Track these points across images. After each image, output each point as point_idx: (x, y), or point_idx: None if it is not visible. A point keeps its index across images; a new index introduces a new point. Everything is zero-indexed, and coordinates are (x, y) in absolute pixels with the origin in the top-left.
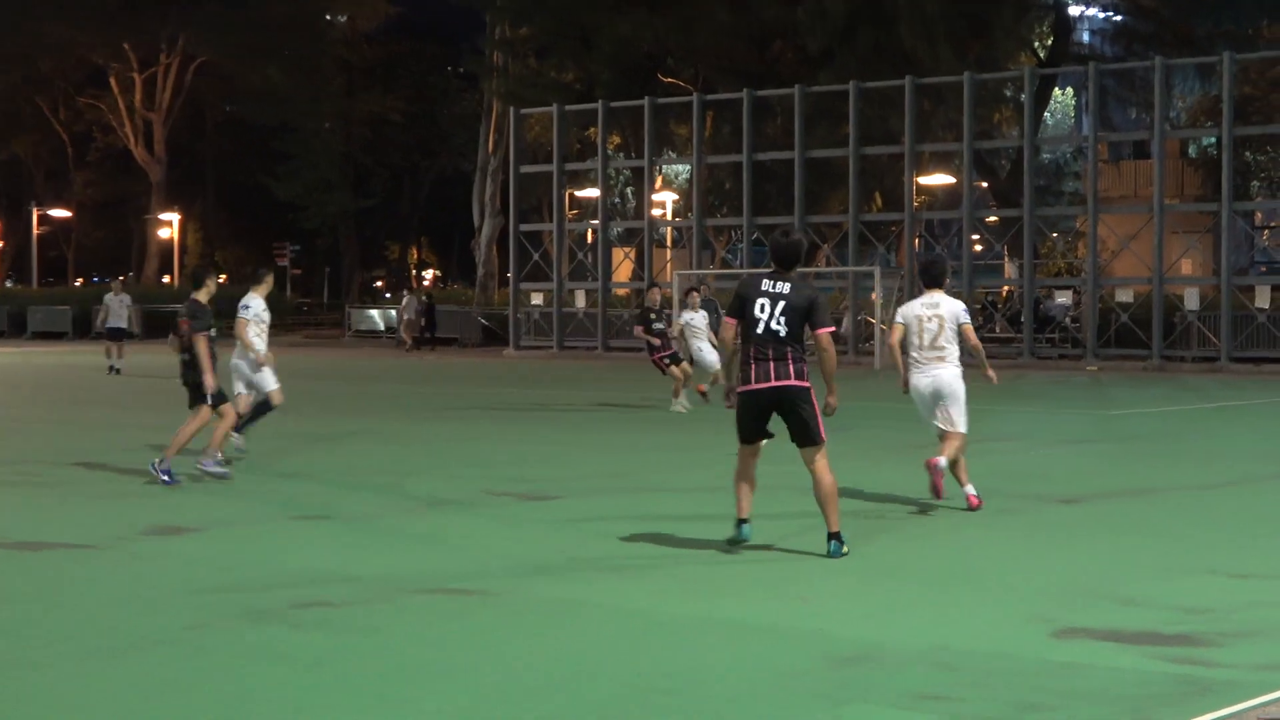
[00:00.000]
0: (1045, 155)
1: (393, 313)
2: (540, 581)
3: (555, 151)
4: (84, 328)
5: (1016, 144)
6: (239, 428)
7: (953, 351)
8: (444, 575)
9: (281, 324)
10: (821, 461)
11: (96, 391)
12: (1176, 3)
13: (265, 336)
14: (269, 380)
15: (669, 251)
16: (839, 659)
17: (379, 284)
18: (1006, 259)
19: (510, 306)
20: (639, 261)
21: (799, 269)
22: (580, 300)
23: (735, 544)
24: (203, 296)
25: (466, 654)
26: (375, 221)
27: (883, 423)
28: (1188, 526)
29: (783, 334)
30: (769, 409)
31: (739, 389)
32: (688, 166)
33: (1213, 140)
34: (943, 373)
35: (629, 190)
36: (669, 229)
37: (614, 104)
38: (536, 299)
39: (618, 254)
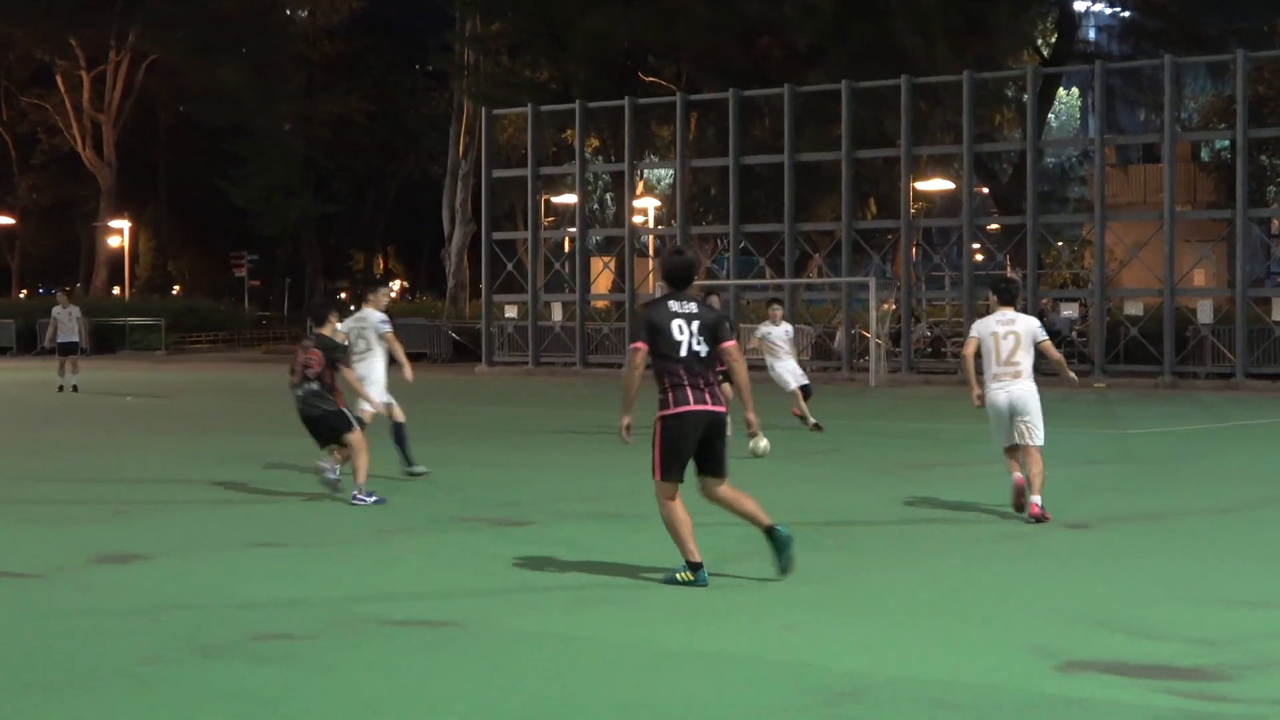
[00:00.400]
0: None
1: None
2: (512, 612)
3: (530, 155)
4: (29, 342)
5: (1019, 147)
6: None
7: (1028, 367)
8: (411, 605)
9: (239, 338)
10: (728, 488)
11: (50, 411)
12: None
13: (364, 354)
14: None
15: (651, 261)
16: (831, 694)
17: (343, 295)
18: (1009, 269)
19: (483, 319)
20: (619, 272)
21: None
22: (557, 313)
23: (691, 585)
24: (327, 331)
25: (435, 689)
26: (338, 229)
27: (874, 442)
28: (1201, 552)
29: (703, 354)
30: (704, 433)
31: (669, 412)
32: (671, 171)
33: (1226, 143)
34: (1018, 388)
35: (608, 196)
36: (651, 237)
37: (592, 104)
38: (510, 312)
39: (597, 264)
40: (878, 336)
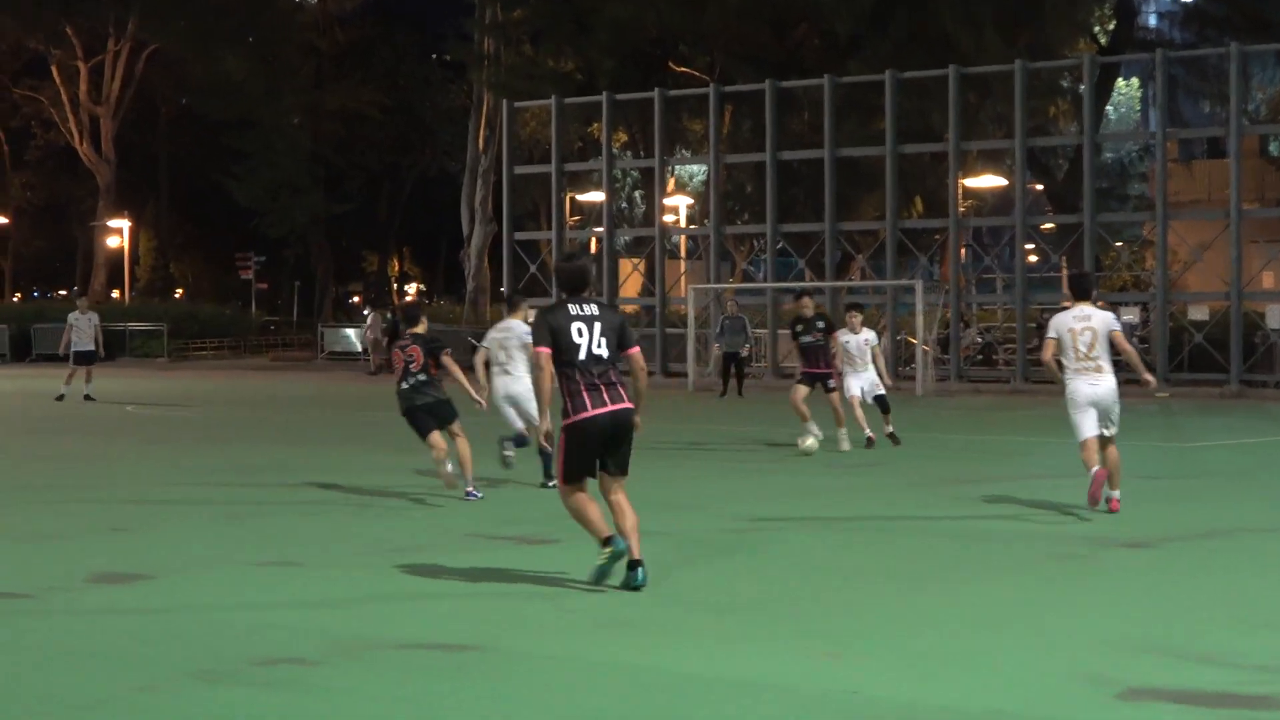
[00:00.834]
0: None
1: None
2: (534, 634)
3: (554, 150)
4: (23, 349)
5: (1075, 141)
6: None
7: (1107, 360)
8: (427, 628)
9: (246, 345)
10: (624, 492)
11: (46, 421)
12: None
13: (509, 366)
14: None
15: (683, 263)
16: None
17: (355, 299)
18: (1064, 271)
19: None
20: (649, 274)
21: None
22: None
23: (615, 560)
24: (421, 329)
25: (451, 716)
26: (350, 229)
27: (920, 455)
28: (1269, 573)
29: (606, 356)
30: (611, 433)
31: (571, 421)
32: (703, 167)
33: None
34: (1107, 382)
35: (637, 194)
36: (683, 238)
37: (619, 96)
38: (534, 317)
39: (625, 265)
40: (925, 343)
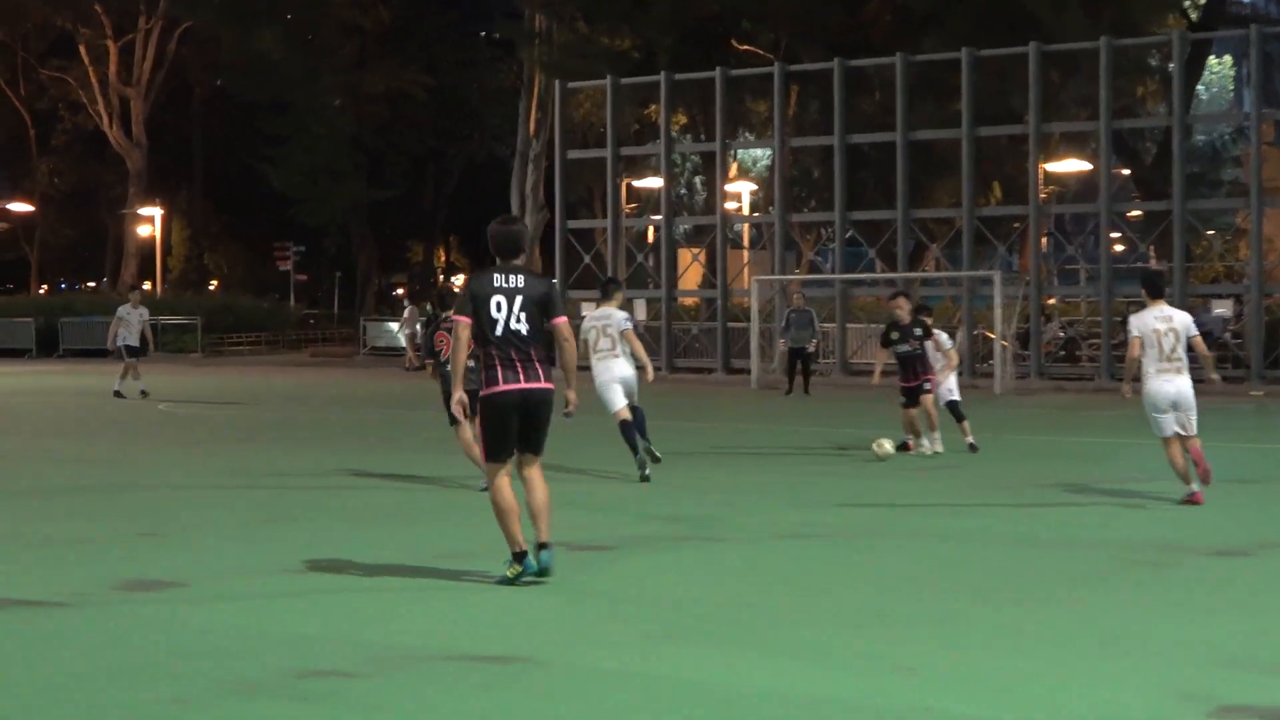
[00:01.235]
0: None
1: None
2: (588, 647)
3: (609, 133)
4: (50, 344)
5: (1163, 123)
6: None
7: (1185, 361)
8: (475, 640)
9: (283, 340)
10: (539, 469)
11: (73, 421)
12: None
13: (615, 350)
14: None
15: (746, 253)
16: None
17: (399, 291)
18: (1153, 261)
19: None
20: (710, 265)
21: (524, 258)
22: (640, 311)
23: (513, 581)
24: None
25: None
26: (394, 217)
27: (997, 457)
28: None
29: (525, 332)
30: (522, 412)
31: (485, 393)
32: (768, 151)
33: None
34: (1185, 382)
35: (697, 180)
36: (746, 226)
37: (678, 76)
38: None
39: (684, 256)
40: (1003, 338)
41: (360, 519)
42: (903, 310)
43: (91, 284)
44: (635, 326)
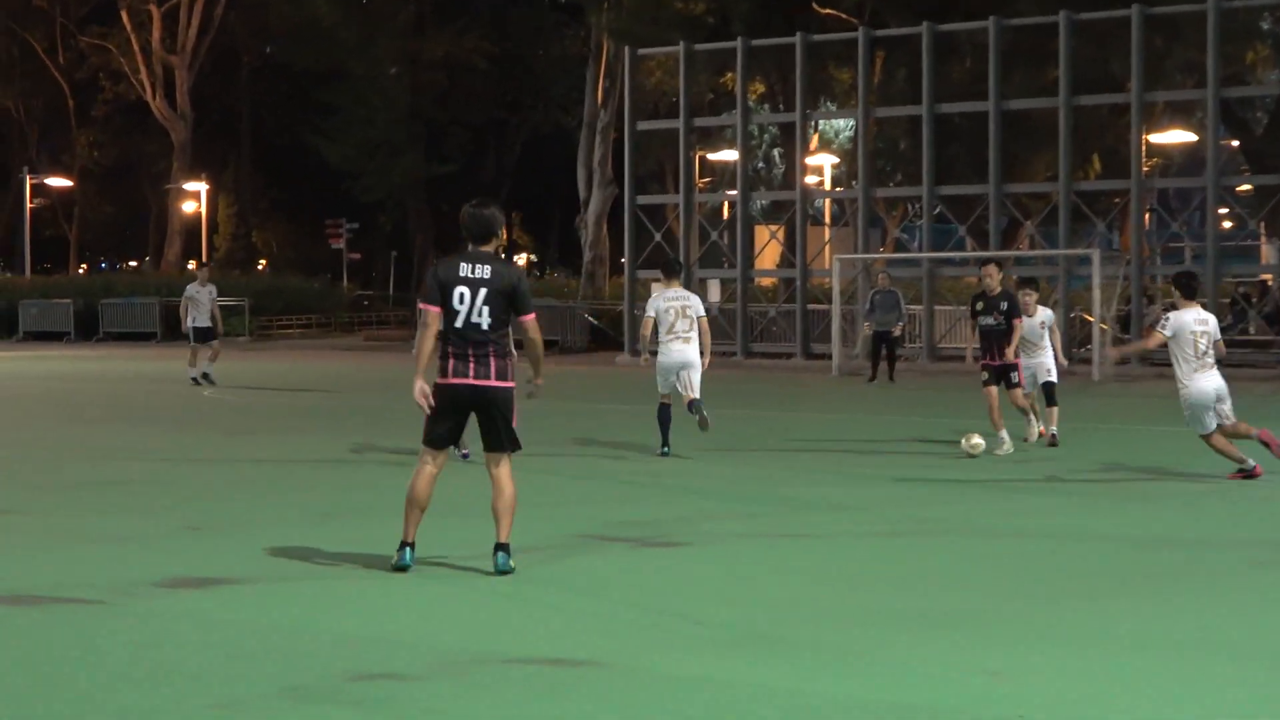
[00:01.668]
0: None
1: None
2: (659, 650)
3: (682, 103)
4: (89, 327)
5: (1275, 91)
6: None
7: (1214, 358)
8: (538, 641)
9: (335, 323)
10: (506, 469)
11: (112, 410)
12: None
13: (690, 334)
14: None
15: (827, 230)
16: None
17: None
18: (1264, 239)
19: (625, 301)
20: (788, 243)
21: (496, 243)
22: (714, 293)
23: (400, 569)
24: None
25: None
26: (452, 193)
27: (1096, 447)
28: None
29: (485, 326)
30: (465, 408)
31: (437, 382)
32: (851, 122)
33: None
34: (1218, 376)
35: (775, 152)
36: (827, 201)
37: (756, 42)
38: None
39: (762, 233)
40: (1103, 320)
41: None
42: (992, 279)
43: (133, 263)
44: (714, 308)
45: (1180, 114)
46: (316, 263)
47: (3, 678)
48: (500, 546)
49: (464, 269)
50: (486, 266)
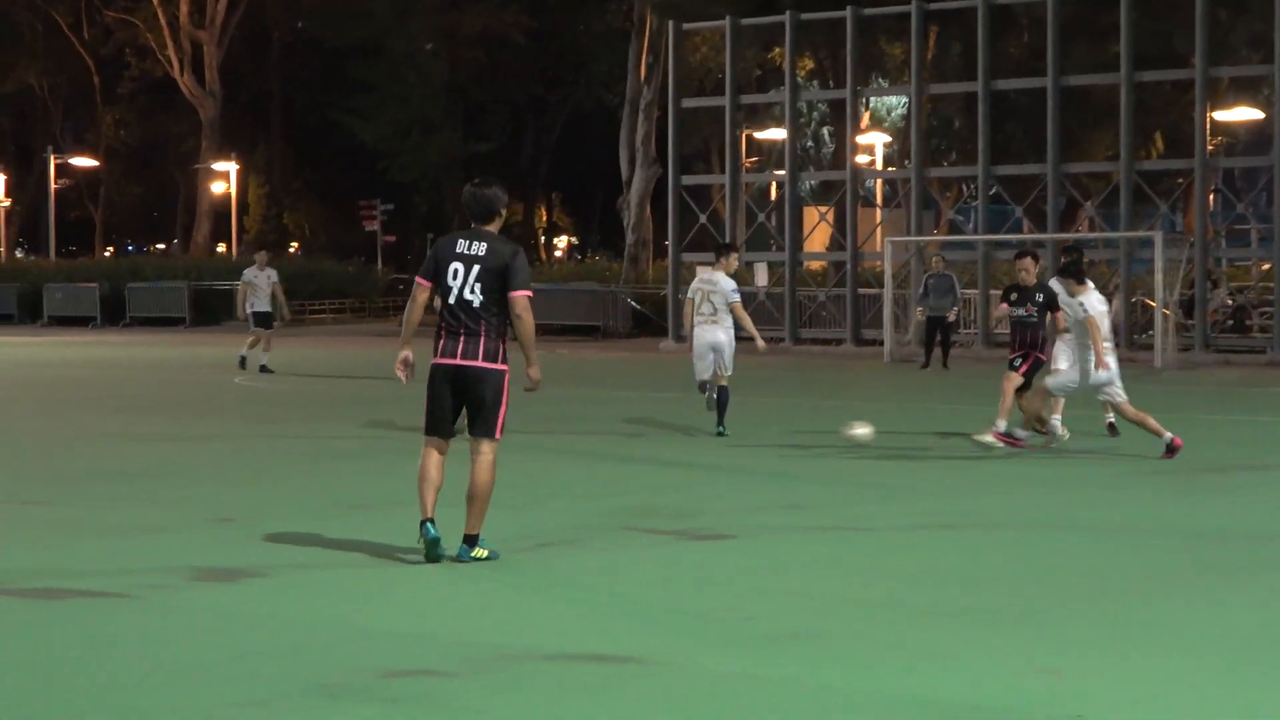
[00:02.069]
0: None
1: None
2: (704, 647)
3: (728, 80)
4: (116, 311)
5: None
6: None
7: None
8: (578, 637)
9: (369, 307)
10: (486, 457)
11: (140, 398)
12: None
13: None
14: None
15: (879, 211)
16: None
17: None
18: None
19: (669, 284)
20: (839, 225)
21: (498, 223)
22: (761, 277)
23: (433, 548)
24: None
25: None
26: (491, 173)
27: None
28: None
29: (476, 304)
30: (453, 388)
31: (431, 361)
32: (903, 99)
33: None
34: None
35: (825, 131)
36: (879, 182)
37: (805, 15)
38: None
39: (810, 214)
40: (1165, 305)
41: (454, 504)
42: (1028, 273)
43: (160, 246)
44: (761, 292)
45: (1246, 90)
46: (349, 246)
47: (24, 671)
48: (466, 538)
49: (460, 245)
50: (483, 244)
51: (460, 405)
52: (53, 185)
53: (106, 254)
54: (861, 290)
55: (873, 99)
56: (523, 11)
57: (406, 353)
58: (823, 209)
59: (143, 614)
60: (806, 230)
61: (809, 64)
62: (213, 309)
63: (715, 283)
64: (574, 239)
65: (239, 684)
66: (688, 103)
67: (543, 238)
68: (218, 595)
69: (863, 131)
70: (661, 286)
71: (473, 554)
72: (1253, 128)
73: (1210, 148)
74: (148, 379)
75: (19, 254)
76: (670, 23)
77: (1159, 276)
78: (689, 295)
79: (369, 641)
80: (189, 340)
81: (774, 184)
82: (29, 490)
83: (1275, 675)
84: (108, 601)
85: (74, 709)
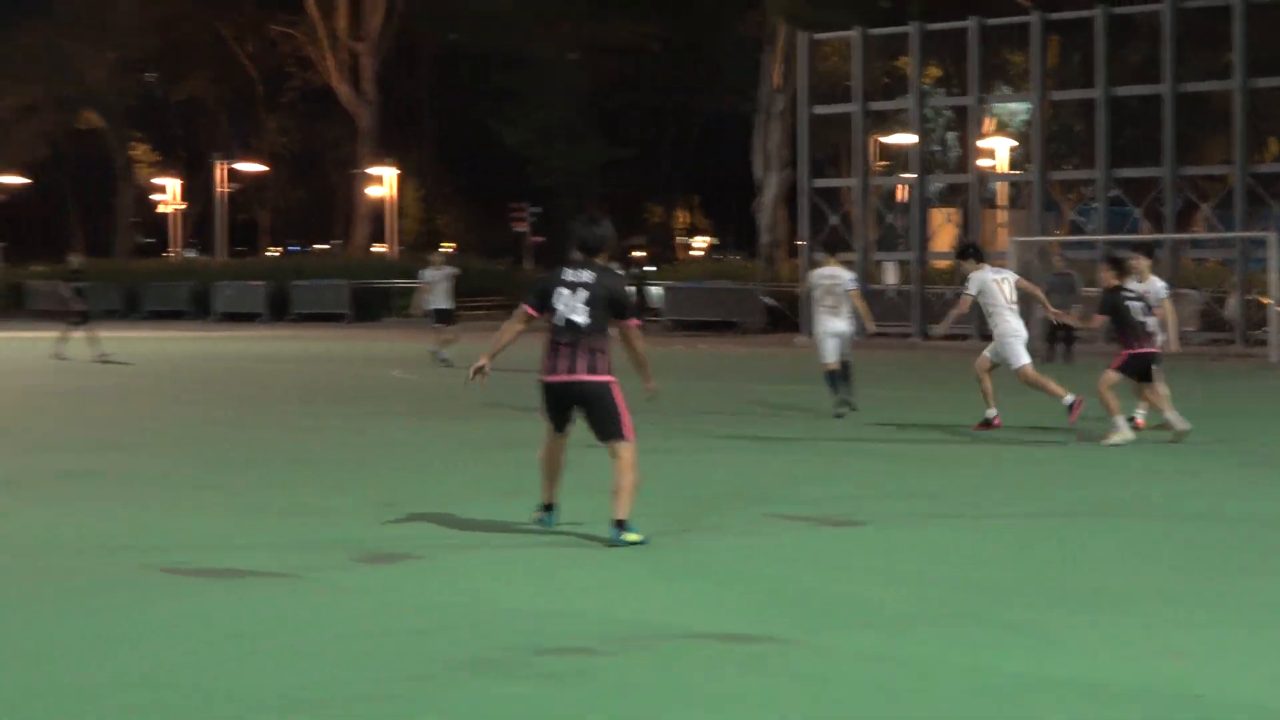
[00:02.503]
0: None
1: (652, 290)
2: (839, 628)
3: (857, 87)
4: (281, 308)
5: None
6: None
7: None
8: (719, 618)
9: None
10: (625, 458)
11: (303, 389)
12: None
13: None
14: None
15: (1002, 213)
16: None
17: (639, 253)
18: None
19: (802, 283)
20: (964, 225)
21: (604, 256)
22: (890, 275)
23: (546, 525)
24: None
25: (754, 715)
26: (631, 177)
27: (1275, 431)
28: None
29: (582, 325)
30: (567, 402)
31: (540, 379)
32: (1026, 105)
33: None
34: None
35: (950, 136)
36: (1002, 184)
37: (930, 26)
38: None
39: (937, 216)
40: (1278, 303)
41: (597, 492)
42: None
43: (323, 246)
44: (890, 290)
45: None
46: (496, 246)
47: (199, 649)
48: (615, 522)
49: (568, 274)
50: (590, 272)
51: (569, 411)
52: (221, 189)
53: (272, 254)
54: None
55: (996, 105)
56: (660, 23)
57: (484, 361)
58: (948, 210)
59: (308, 594)
60: (933, 230)
61: (935, 72)
62: (372, 305)
63: (836, 276)
64: (714, 239)
65: (401, 661)
66: (818, 109)
67: (678, 239)
68: (379, 575)
69: (986, 136)
70: (795, 285)
71: (623, 537)
72: None
73: None
74: (314, 372)
75: (190, 254)
76: (801, 32)
77: (1273, 276)
78: (810, 287)
79: (522, 620)
80: (349, 335)
81: (901, 186)
82: (206, 476)
83: None
84: (276, 581)
85: (252, 685)
